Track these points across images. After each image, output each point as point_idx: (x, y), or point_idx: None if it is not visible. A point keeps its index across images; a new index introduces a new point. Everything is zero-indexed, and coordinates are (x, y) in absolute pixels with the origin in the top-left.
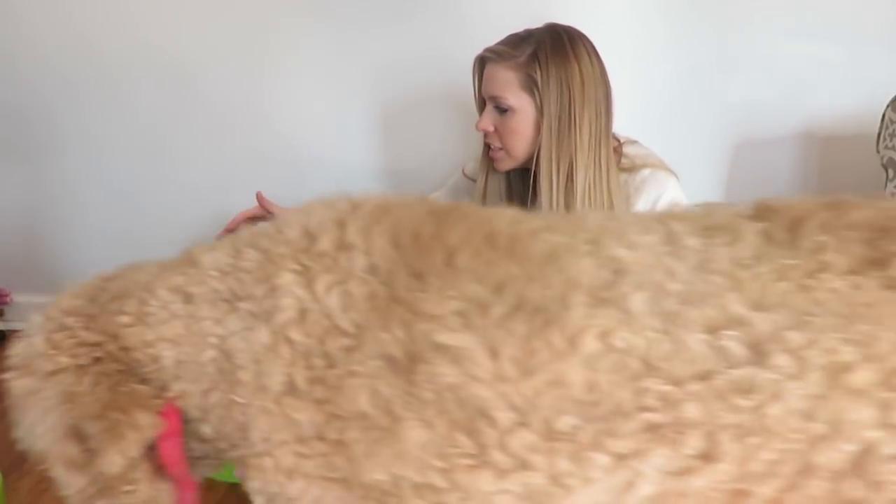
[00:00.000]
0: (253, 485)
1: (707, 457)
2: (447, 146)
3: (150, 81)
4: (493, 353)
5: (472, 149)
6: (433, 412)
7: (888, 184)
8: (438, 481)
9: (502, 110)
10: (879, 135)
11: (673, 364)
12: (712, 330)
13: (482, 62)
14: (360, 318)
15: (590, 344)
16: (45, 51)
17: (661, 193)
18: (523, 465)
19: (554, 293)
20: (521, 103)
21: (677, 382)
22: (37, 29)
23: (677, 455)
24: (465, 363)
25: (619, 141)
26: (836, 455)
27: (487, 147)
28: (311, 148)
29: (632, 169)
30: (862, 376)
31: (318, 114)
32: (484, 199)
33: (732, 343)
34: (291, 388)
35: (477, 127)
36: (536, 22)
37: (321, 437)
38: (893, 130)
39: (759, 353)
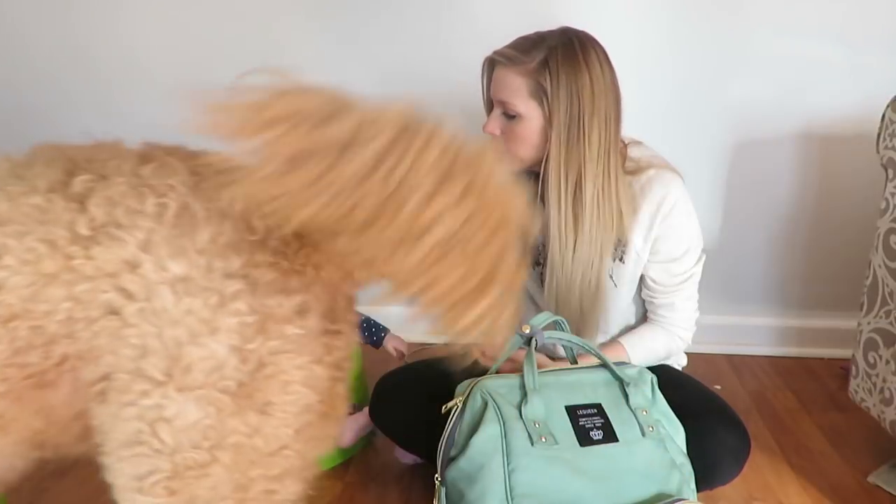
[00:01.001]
0: None
1: None
2: None
3: (147, 86)
4: None
5: None
6: None
7: (888, 184)
8: None
9: (510, 116)
10: (879, 135)
11: None
12: None
13: (492, 64)
14: None
15: None
16: (41, 56)
17: (665, 193)
18: None
19: None
20: (529, 110)
21: None
22: (34, 34)
23: None
24: None
25: (624, 143)
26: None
27: None
28: None
29: (636, 171)
30: (50, 264)
31: None
32: None
33: None
34: None
35: (484, 129)
36: (539, 23)
37: None
38: (893, 130)
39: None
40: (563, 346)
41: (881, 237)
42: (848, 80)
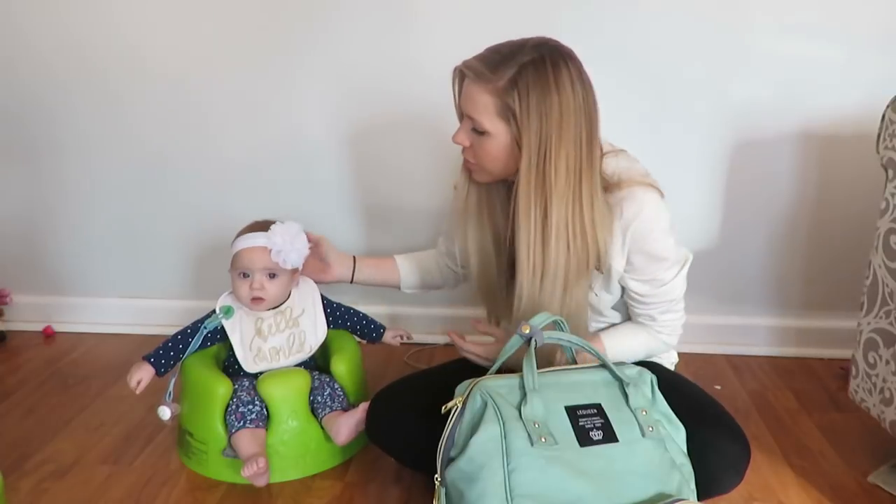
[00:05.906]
0: None
1: None
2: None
3: (146, 84)
4: None
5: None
6: None
7: (888, 184)
8: None
9: (479, 131)
10: (879, 135)
11: None
12: None
13: (461, 75)
14: None
15: None
16: (41, 54)
17: (638, 211)
18: None
19: None
20: (497, 129)
21: None
22: (33, 33)
23: None
24: None
25: (602, 151)
26: None
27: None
28: (306, 149)
29: (610, 188)
30: None
31: (314, 118)
32: (465, 208)
33: None
34: None
35: (453, 139)
36: (539, 26)
37: None
38: (893, 130)
39: None
40: (563, 345)
41: (881, 237)
42: (848, 80)
